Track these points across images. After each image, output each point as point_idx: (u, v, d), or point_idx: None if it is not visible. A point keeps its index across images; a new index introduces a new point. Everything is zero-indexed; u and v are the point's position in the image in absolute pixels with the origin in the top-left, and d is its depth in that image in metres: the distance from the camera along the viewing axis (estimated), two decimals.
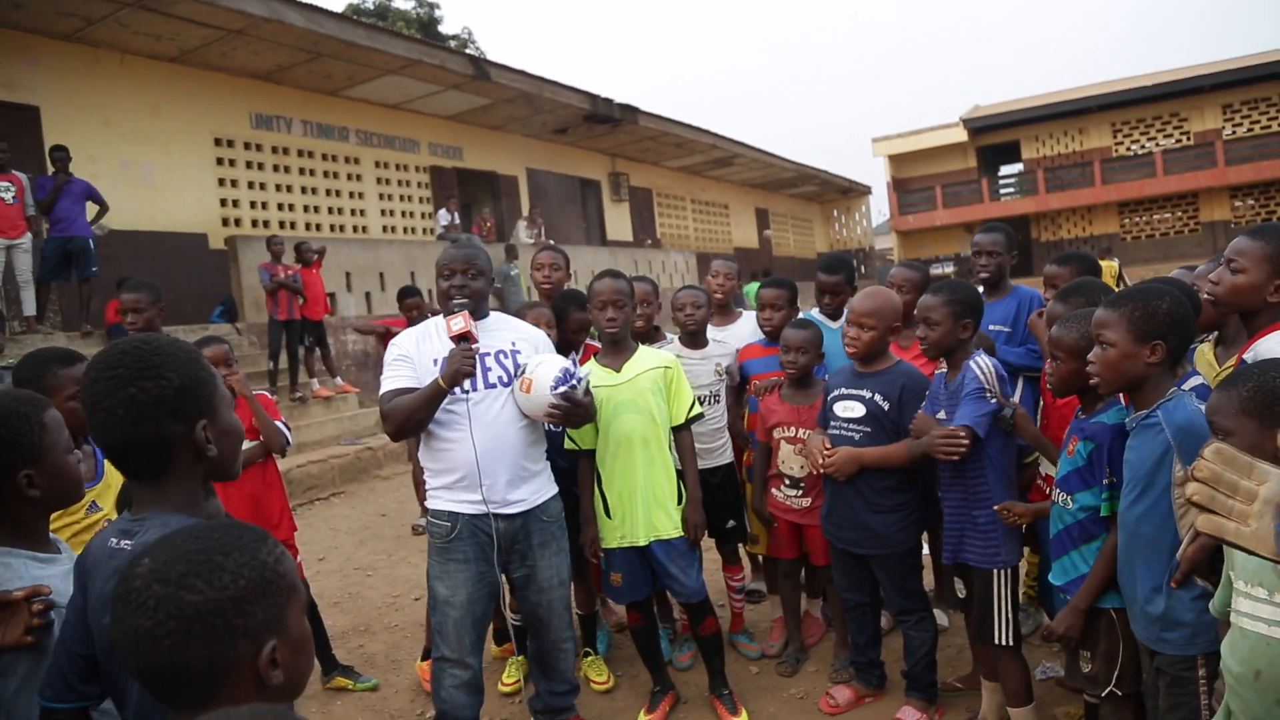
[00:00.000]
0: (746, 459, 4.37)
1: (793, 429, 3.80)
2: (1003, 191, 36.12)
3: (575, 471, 3.64)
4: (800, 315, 4.17)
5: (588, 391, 3.21)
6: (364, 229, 16.09)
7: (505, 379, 3.16)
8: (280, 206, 14.73)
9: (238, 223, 13.90)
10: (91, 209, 10.06)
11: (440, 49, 15.13)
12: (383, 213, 16.64)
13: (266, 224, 14.27)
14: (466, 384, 2.97)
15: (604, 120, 19.73)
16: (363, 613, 5.37)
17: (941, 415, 3.07)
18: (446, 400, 3.02)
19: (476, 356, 2.97)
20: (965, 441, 2.90)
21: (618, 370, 3.55)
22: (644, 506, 3.47)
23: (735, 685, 3.76)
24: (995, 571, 3.00)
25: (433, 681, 3.18)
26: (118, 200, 11.89)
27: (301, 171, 15.14)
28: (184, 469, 1.58)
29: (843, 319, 4.19)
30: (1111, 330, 2.22)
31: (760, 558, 4.56)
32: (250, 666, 1.13)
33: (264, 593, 1.15)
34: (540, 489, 3.26)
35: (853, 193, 37.56)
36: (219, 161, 13.84)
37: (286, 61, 13.69)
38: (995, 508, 2.91)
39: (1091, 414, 2.51)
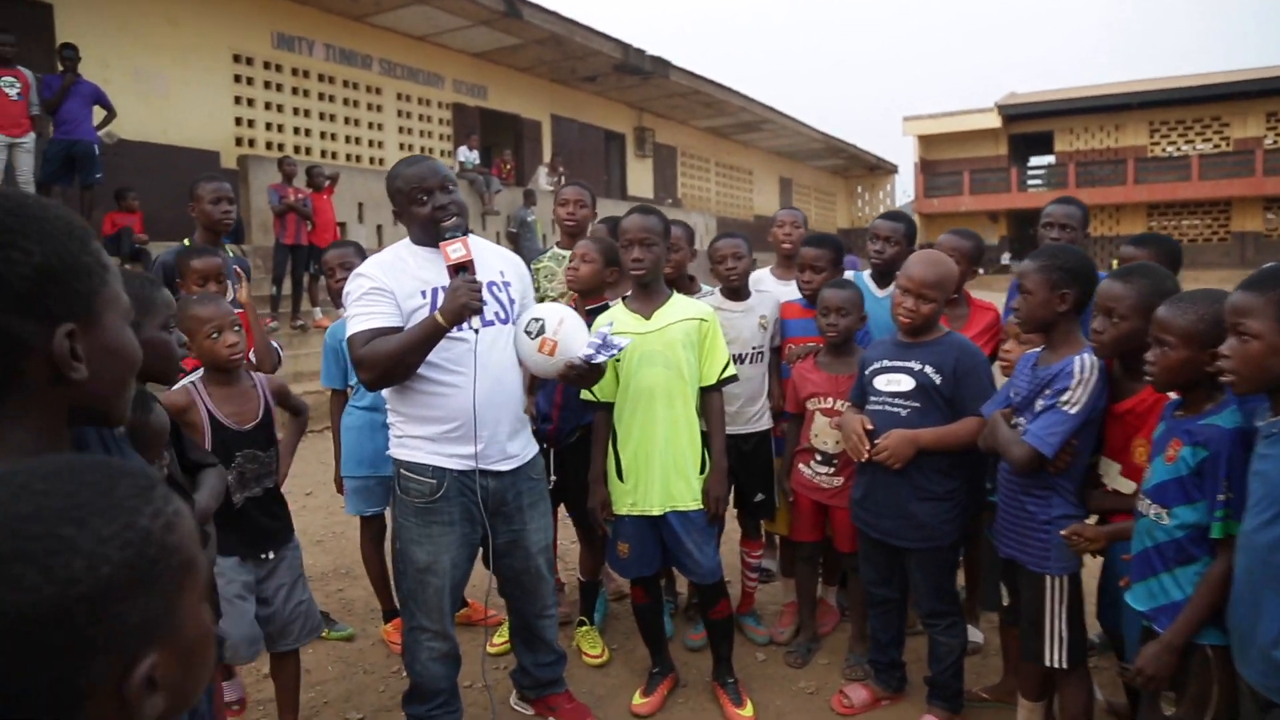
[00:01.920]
0: (774, 428, 4.04)
1: (829, 400, 3.46)
2: (1031, 182, 35.53)
3: (574, 429, 3.32)
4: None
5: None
6: (381, 161, 15.65)
7: (503, 315, 2.81)
8: (296, 131, 14.32)
9: (251, 143, 13.50)
10: (99, 114, 9.68)
11: None
12: (401, 146, 16.19)
13: (281, 147, 13.85)
14: (475, 320, 2.60)
15: (634, 71, 19.20)
16: (345, 554, 5.07)
17: (1020, 422, 2.66)
18: (442, 341, 2.63)
19: (483, 288, 2.59)
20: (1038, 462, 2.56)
21: (647, 317, 3.20)
22: (661, 472, 3.13)
23: (740, 673, 3.45)
24: (1048, 578, 2.65)
25: (407, 652, 2.88)
26: (129, 109, 11.51)
27: (321, 97, 14.71)
28: (33, 391, 1.03)
29: (891, 286, 3.85)
30: (1257, 320, 1.84)
31: (778, 537, 4.23)
32: (111, 694, 0.73)
33: (141, 583, 0.74)
34: (529, 443, 2.95)
35: (879, 170, 36.97)
36: (236, 79, 13.42)
37: None
38: (1062, 533, 2.55)
39: (1200, 414, 2.15)
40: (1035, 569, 2.67)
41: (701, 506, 3.17)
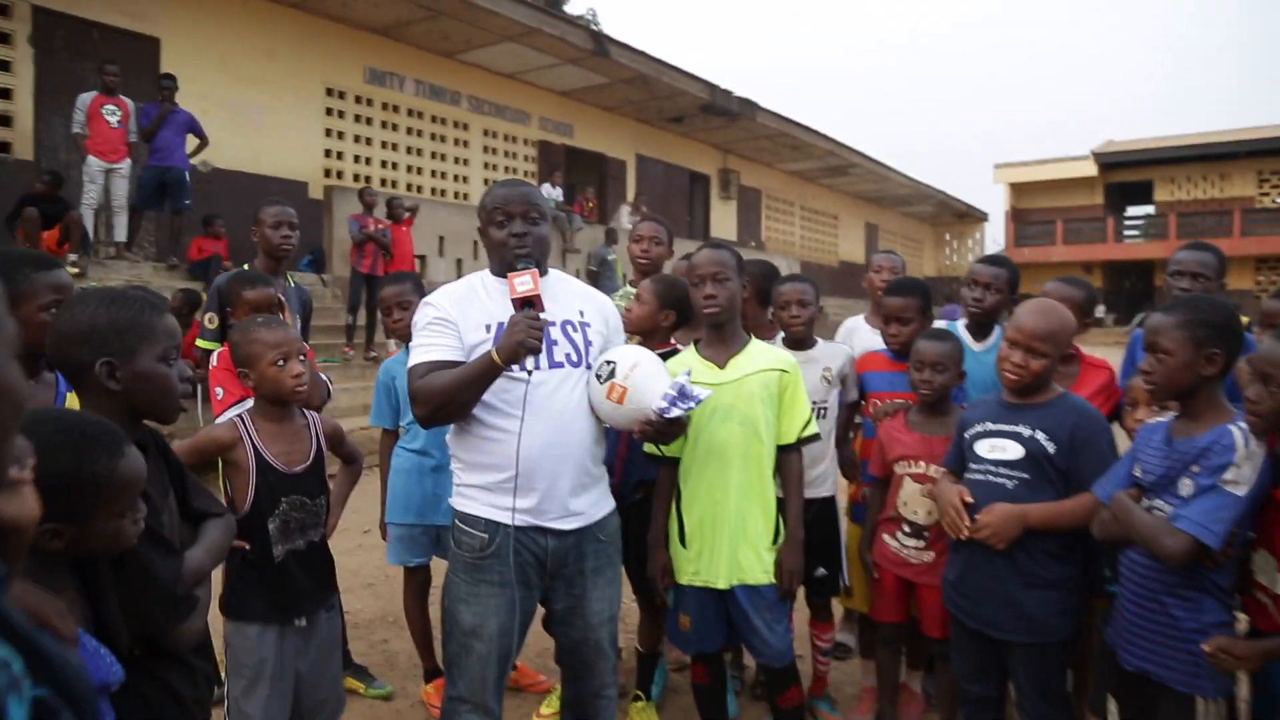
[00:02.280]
0: (853, 492, 3.69)
1: (920, 464, 3.10)
2: (1128, 233, 34.36)
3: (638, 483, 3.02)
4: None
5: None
6: (465, 196, 15.77)
7: (574, 357, 2.53)
8: (384, 164, 14.52)
9: (339, 175, 13.69)
10: (192, 142, 9.88)
11: (561, 19, 14.68)
12: (486, 182, 16.24)
13: (368, 179, 14.01)
14: (529, 361, 2.33)
15: (721, 112, 19.07)
16: (396, 601, 4.79)
17: (1158, 506, 2.28)
18: (499, 379, 2.40)
19: (544, 328, 2.34)
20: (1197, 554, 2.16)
21: (721, 366, 2.90)
22: (729, 541, 2.82)
23: None
24: (1200, 702, 2.22)
25: None
26: (224, 139, 11.79)
27: (409, 131, 14.91)
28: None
29: (991, 339, 3.50)
30: None
31: (857, 612, 3.85)
32: None
33: None
34: (600, 500, 2.64)
35: (968, 218, 36.15)
36: (328, 112, 13.67)
37: (405, 17, 13.40)
38: (1205, 648, 2.14)
39: None
40: (1183, 689, 2.24)
41: (773, 581, 2.84)
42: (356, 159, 14.10)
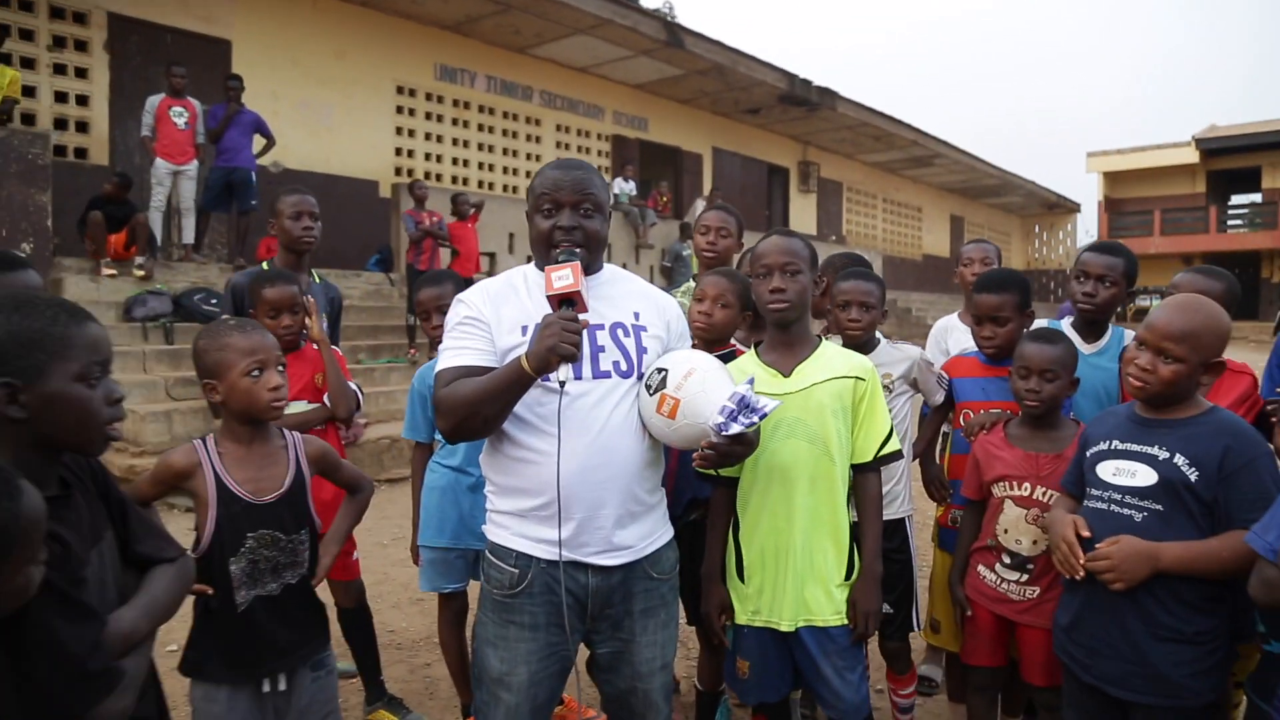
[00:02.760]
0: (941, 516, 3.24)
1: (1024, 486, 2.65)
2: (1231, 223, 32.60)
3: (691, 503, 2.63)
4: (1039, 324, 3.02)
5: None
6: None
7: (625, 367, 2.16)
8: (455, 161, 14.40)
9: (410, 173, 13.57)
10: (259, 142, 9.82)
11: (633, 9, 14.31)
12: None
13: (439, 177, 13.94)
14: (564, 370, 1.96)
15: (800, 103, 18.50)
16: None
17: None
18: (534, 390, 2.06)
19: (584, 332, 1.98)
20: None
21: (786, 374, 2.48)
22: (795, 576, 2.41)
23: None
24: None
25: None
26: (295, 140, 11.80)
27: (481, 128, 14.75)
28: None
29: (1104, 339, 3.02)
30: None
31: (944, 652, 3.38)
32: None
33: None
34: (653, 531, 2.25)
35: (1059, 209, 34.68)
36: (399, 110, 13.59)
37: (475, 12, 13.22)
38: None
39: None
40: None
41: (845, 623, 2.43)
42: (427, 157, 14.00)
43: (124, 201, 8.91)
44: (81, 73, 10.46)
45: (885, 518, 2.86)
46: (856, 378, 2.48)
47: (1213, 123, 35.16)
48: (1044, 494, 2.62)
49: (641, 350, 2.21)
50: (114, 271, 8.64)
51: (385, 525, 6.19)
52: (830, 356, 2.52)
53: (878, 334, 3.17)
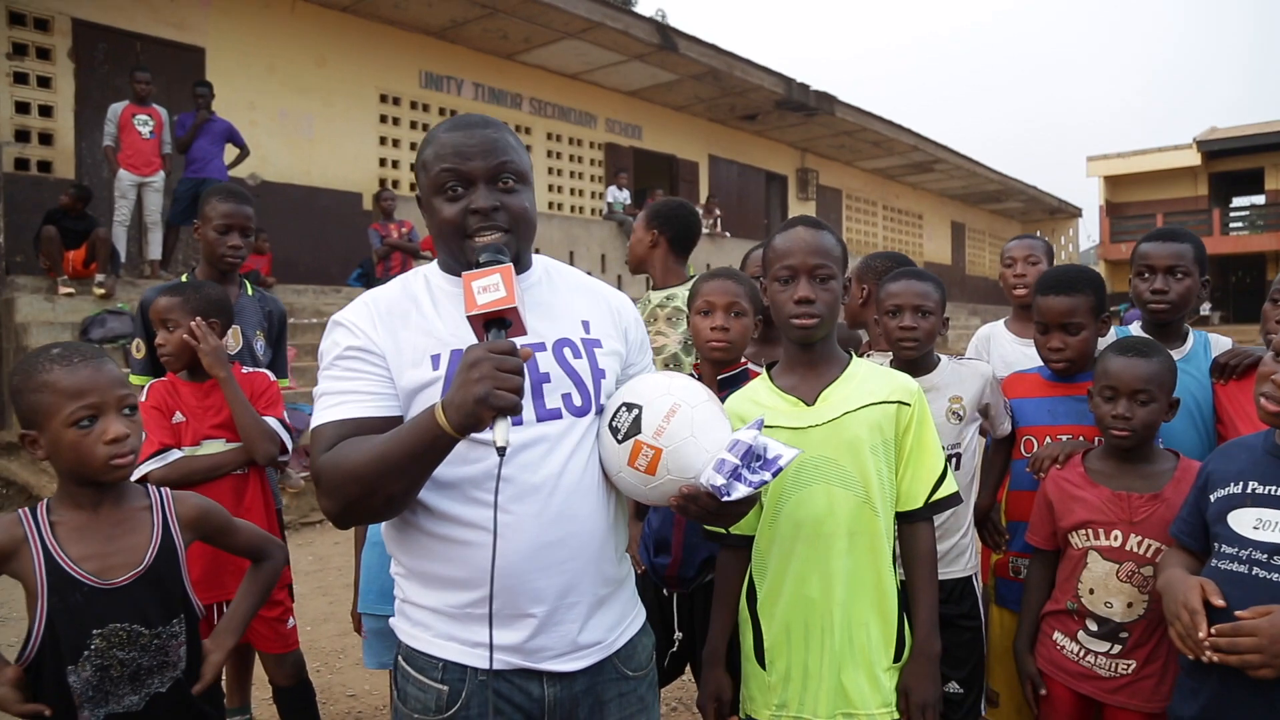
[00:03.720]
0: (998, 563, 2.69)
1: (1113, 534, 2.11)
2: (1234, 225, 32.22)
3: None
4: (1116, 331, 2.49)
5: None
6: None
7: (579, 402, 1.60)
8: None
9: (395, 184, 13.06)
10: (231, 152, 9.30)
11: (625, 12, 13.81)
12: (550, 188, 15.52)
13: None
14: (502, 428, 1.36)
15: (797, 108, 17.99)
16: None
17: None
18: (460, 450, 1.48)
19: (525, 366, 1.38)
20: None
21: (809, 401, 1.93)
22: (832, 658, 1.85)
23: None
24: None
25: None
26: (274, 151, 11.32)
27: None
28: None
29: (1186, 345, 2.48)
30: None
31: None
32: None
33: None
34: (624, 616, 1.69)
35: (1060, 214, 34.23)
36: (383, 119, 13.08)
37: (461, 17, 12.72)
38: None
39: None
40: None
41: (896, 717, 1.88)
42: (412, 167, 13.45)
43: (82, 215, 8.37)
44: (44, 82, 9.92)
45: (946, 576, 2.31)
46: (899, 402, 1.93)
47: (1214, 125, 34.80)
48: (1140, 544, 2.08)
49: (599, 374, 1.64)
50: (71, 290, 8.09)
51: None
52: (865, 377, 1.96)
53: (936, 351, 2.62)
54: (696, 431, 1.52)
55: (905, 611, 1.93)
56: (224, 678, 3.25)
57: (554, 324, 1.63)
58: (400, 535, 1.59)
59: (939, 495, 1.94)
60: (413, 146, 13.45)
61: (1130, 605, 2.09)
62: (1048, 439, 2.47)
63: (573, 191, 15.94)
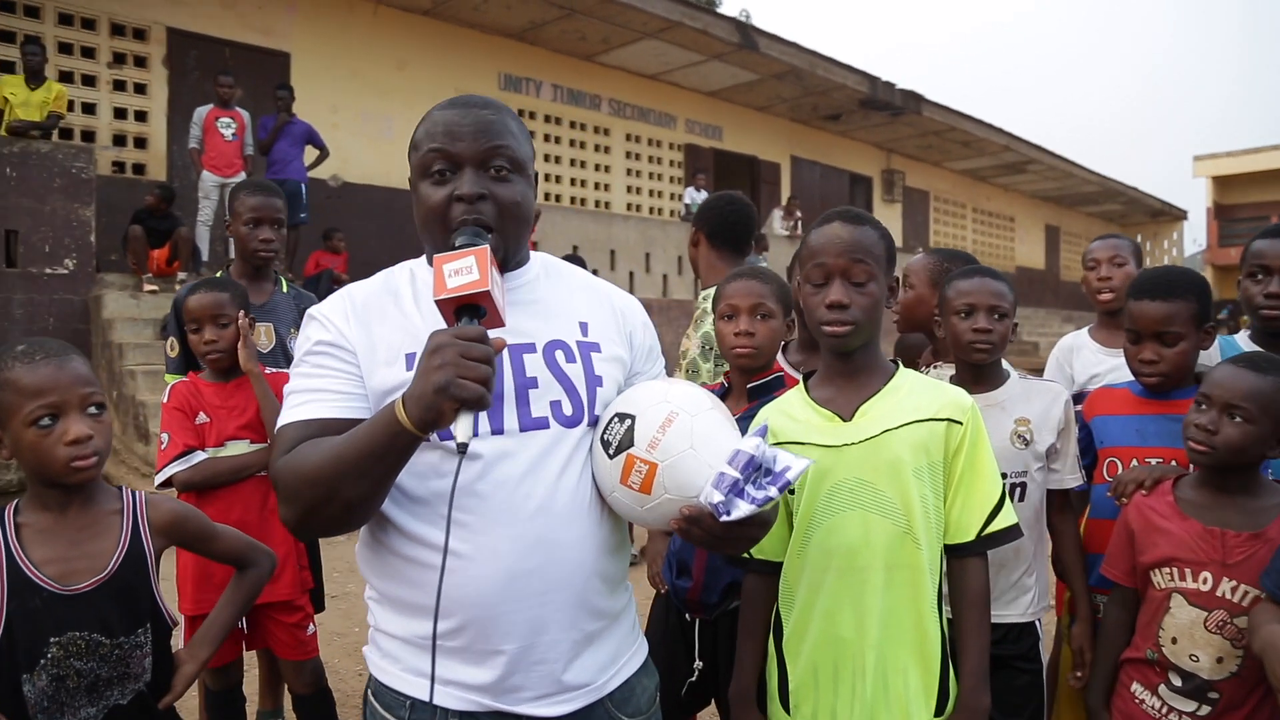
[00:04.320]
0: (1066, 597, 2.46)
1: (1202, 576, 1.87)
2: None
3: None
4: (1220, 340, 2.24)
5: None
6: (607, 204, 15.00)
7: (570, 411, 1.45)
8: None
9: None
10: (311, 154, 9.46)
11: (704, 11, 13.67)
12: (629, 189, 15.48)
13: None
14: (464, 424, 1.22)
15: (882, 108, 17.57)
16: None
17: None
18: (429, 450, 1.37)
19: (499, 358, 1.25)
20: None
21: (846, 417, 1.75)
22: (864, 706, 1.68)
23: None
24: None
25: None
26: (355, 153, 11.51)
27: (547, 138, 14.26)
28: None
29: None
30: None
31: None
32: None
33: None
34: (619, 654, 1.52)
35: (1163, 216, 32.79)
36: None
37: (539, 18, 12.75)
38: None
39: None
40: None
41: None
42: None
43: (167, 214, 8.61)
44: (140, 88, 10.31)
45: (1001, 620, 2.09)
46: (949, 420, 1.73)
47: None
48: (1234, 590, 1.83)
49: (595, 382, 1.49)
50: (155, 287, 8.31)
51: None
52: (910, 391, 1.77)
53: (1004, 364, 2.39)
54: (697, 443, 1.35)
55: (951, 658, 1.75)
56: (258, 680, 3.22)
57: (546, 324, 1.49)
58: (371, 555, 1.48)
59: (994, 527, 1.73)
60: None
61: (1220, 661, 1.85)
62: (1134, 462, 2.23)
63: (651, 193, 15.87)
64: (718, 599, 2.19)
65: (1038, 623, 2.26)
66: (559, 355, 1.46)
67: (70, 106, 9.67)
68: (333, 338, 1.44)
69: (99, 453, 1.61)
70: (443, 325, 1.28)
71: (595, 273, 7.69)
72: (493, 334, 1.25)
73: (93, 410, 1.62)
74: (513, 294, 1.43)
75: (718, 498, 1.27)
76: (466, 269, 1.25)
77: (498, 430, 1.38)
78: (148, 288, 8.30)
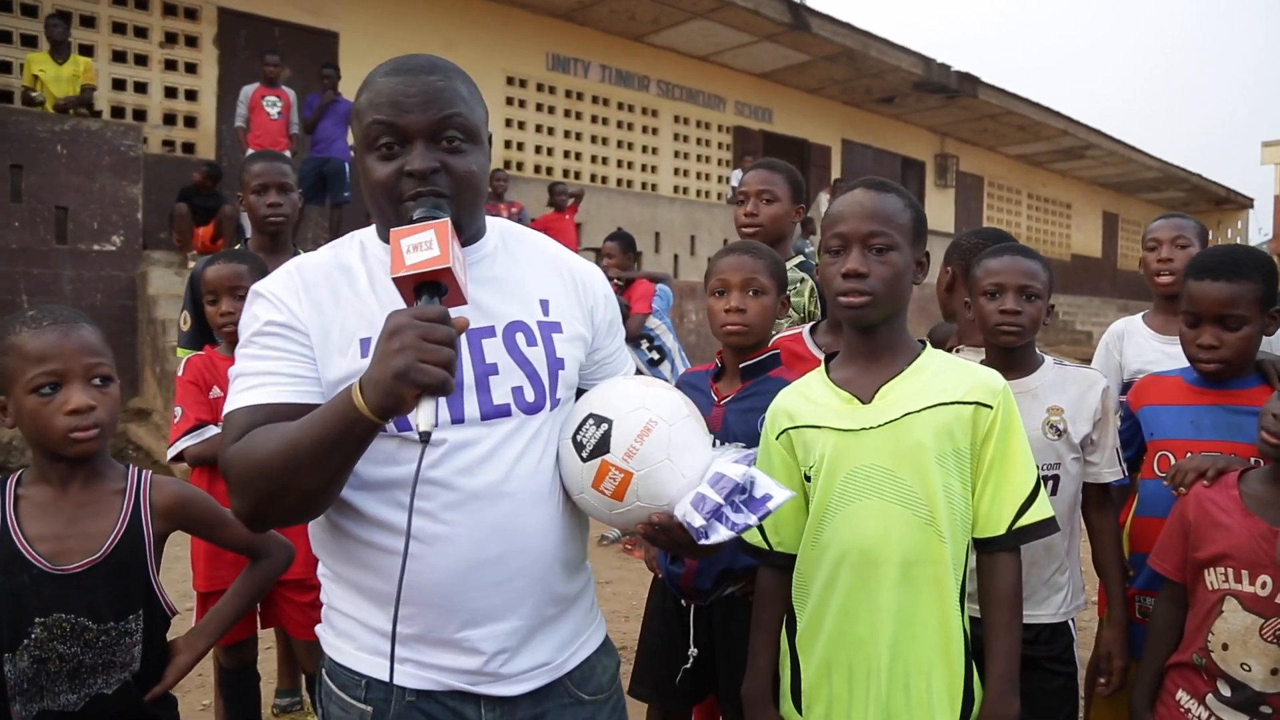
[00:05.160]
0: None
1: (1260, 581, 1.74)
2: None
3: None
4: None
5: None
6: (653, 187, 14.88)
7: (531, 396, 1.40)
8: (567, 154, 13.86)
9: (520, 166, 13.13)
10: None
11: None
12: (676, 171, 15.34)
13: (550, 170, 13.44)
14: (426, 411, 1.15)
15: (937, 90, 17.19)
16: None
17: None
18: (384, 443, 1.32)
19: (459, 340, 1.19)
20: None
21: (866, 399, 1.64)
22: (880, 708, 1.57)
23: None
24: None
25: None
26: None
27: (594, 119, 14.20)
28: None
29: None
30: None
31: None
32: None
33: None
34: (578, 633, 1.50)
35: (1228, 204, 31.75)
36: (508, 101, 13.14)
37: None
38: None
39: None
40: None
41: None
42: (538, 149, 13.51)
43: (213, 193, 8.69)
44: (191, 68, 10.43)
45: (1033, 620, 1.97)
46: (978, 403, 1.61)
47: None
48: None
49: (556, 364, 1.43)
50: None
51: None
52: (937, 372, 1.66)
53: (1037, 349, 2.25)
54: (673, 454, 1.33)
55: (977, 660, 1.63)
56: (276, 658, 3.20)
57: (506, 304, 1.42)
58: (325, 536, 1.42)
59: (1027, 520, 1.61)
60: (538, 129, 13.51)
61: (1275, 673, 1.72)
62: (1188, 455, 2.08)
63: (699, 175, 15.72)
64: (711, 585, 2.10)
65: (1071, 623, 2.13)
66: (519, 338, 1.40)
67: (122, 86, 9.84)
68: (285, 318, 1.36)
69: (101, 425, 1.56)
70: (400, 305, 1.21)
71: (639, 254, 7.49)
72: (454, 313, 1.18)
73: (97, 381, 1.57)
74: (470, 270, 1.34)
75: (699, 521, 1.25)
76: (426, 244, 1.18)
77: (458, 419, 1.34)
78: (192, 265, 8.38)
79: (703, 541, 1.26)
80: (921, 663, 1.57)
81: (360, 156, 1.38)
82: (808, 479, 1.64)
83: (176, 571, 2.99)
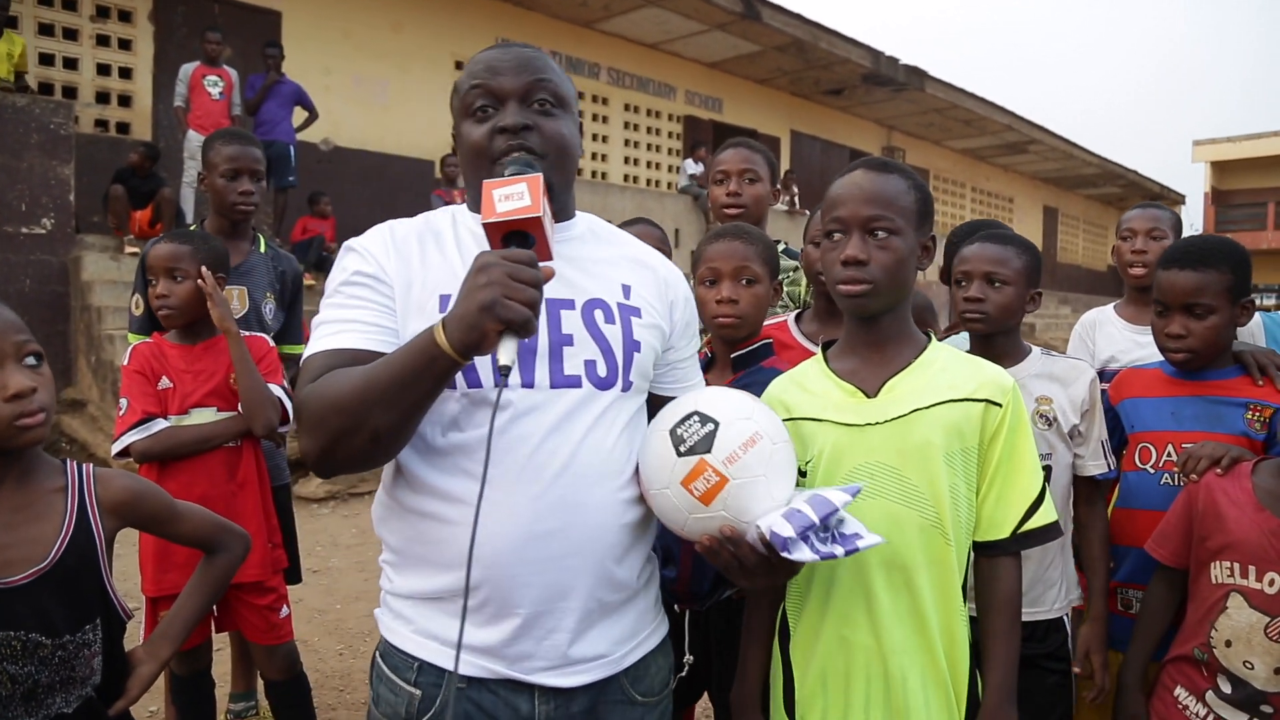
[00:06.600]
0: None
1: (1268, 578, 1.70)
2: None
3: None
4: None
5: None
6: (604, 175, 14.77)
7: (604, 372, 1.37)
8: None
9: None
10: (300, 115, 9.18)
11: None
12: (626, 160, 15.23)
13: None
14: (508, 349, 1.14)
15: (885, 83, 17.31)
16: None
17: None
18: (452, 400, 1.31)
19: (543, 289, 1.17)
20: None
21: (870, 393, 1.56)
22: (879, 715, 1.50)
23: None
24: None
25: None
26: (348, 117, 11.25)
27: None
28: None
29: None
30: None
31: None
32: None
33: None
34: (638, 630, 1.45)
35: (1162, 200, 32.59)
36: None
37: None
38: None
39: None
40: None
41: None
42: None
43: (150, 175, 8.35)
44: (125, 44, 10.00)
45: (1029, 618, 1.91)
46: (988, 401, 1.53)
47: None
48: None
49: (633, 346, 1.40)
50: (136, 249, 8.05)
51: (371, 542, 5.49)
52: (945, 366, 1.57)
53: (1024, 340, 2.21)
54: (770, 473, 1.31)
55: (976, 662, 1.56)
56: (230, 661, 3.04)
57: (588, 281, 1.43)
58: (387, 514, 1.42)
59: (1031, 525, 1.53)
60: None
61: (1278, 671, 1.68)
62: (1169, 447, 2.05)
63: (649, 165, 15.63)
64: (707, 589, 2.01)
65: (1065, 618, 2.09)
66: (598, 315, 1.40)
67: (51, 61, 9.40)
68: (373, 270, 1.37)
69: (45, 409, 1.42)
70: (484, 248, 1.21)
71: None
72: (543, 265, 1.19)
73: (31, 361, 1.42)
74: (558, 249, 1.30)
75: (788, 531, 1.21)
76: (518, 194, 1.19)
77: (528, 384, 1.32)
78: (129, 249, 8.06)
79: (784, 554, 1.22)
80: (918, 667, 1.49)
81: (458, 125, 1.43)
82: (803, 474, 1.56)
83: (117, 572, 2.82)
